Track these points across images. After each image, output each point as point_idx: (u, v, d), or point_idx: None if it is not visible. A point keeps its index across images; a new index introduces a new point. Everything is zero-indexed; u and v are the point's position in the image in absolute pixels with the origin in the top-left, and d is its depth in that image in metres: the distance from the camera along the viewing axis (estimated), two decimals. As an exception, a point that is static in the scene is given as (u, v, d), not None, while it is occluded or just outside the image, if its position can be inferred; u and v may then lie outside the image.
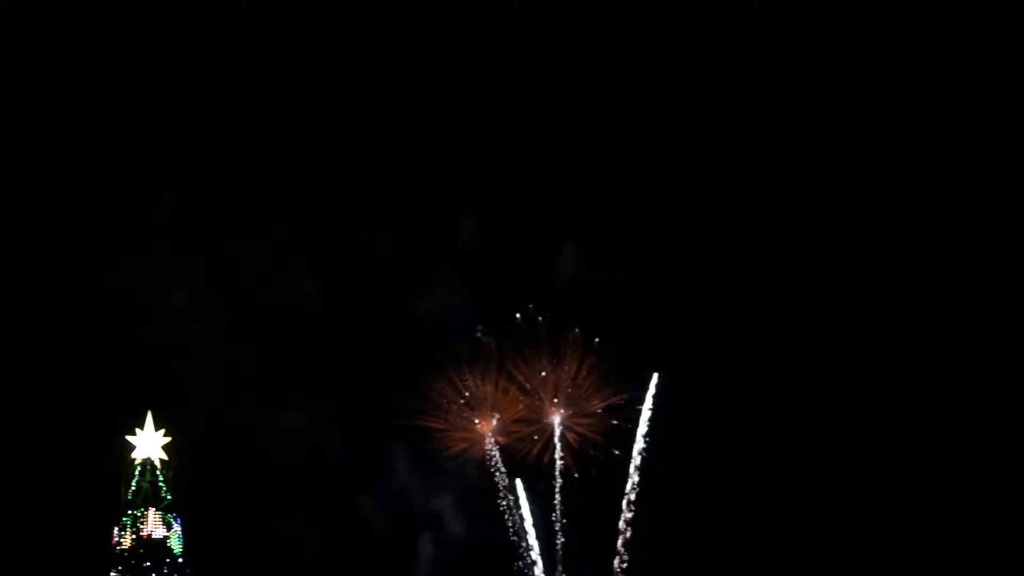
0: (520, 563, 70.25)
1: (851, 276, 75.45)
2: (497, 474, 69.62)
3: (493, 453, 69.40)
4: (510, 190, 74.72)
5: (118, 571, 70.51)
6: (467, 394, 68.95)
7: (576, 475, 70.02)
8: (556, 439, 70.04)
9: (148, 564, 70.58)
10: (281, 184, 78.13)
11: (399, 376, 73.11)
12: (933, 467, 73.60)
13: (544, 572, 69.23)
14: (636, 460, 71.14)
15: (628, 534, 70.14)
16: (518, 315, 70.50)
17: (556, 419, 70.22)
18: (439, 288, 74.45)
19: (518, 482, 70.43)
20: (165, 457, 73.74)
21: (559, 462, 69.96)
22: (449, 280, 74.58)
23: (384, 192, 77.20)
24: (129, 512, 71.95)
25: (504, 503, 69.74)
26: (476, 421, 69.57)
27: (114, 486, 72.98)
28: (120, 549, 71.20)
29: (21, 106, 76.52)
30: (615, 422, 70.23)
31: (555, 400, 69.99)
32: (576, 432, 70.34)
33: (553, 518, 70.20)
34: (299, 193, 77.70)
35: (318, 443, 73.89)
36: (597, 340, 68.98)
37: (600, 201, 75.08)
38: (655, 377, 69.88)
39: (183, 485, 73.23)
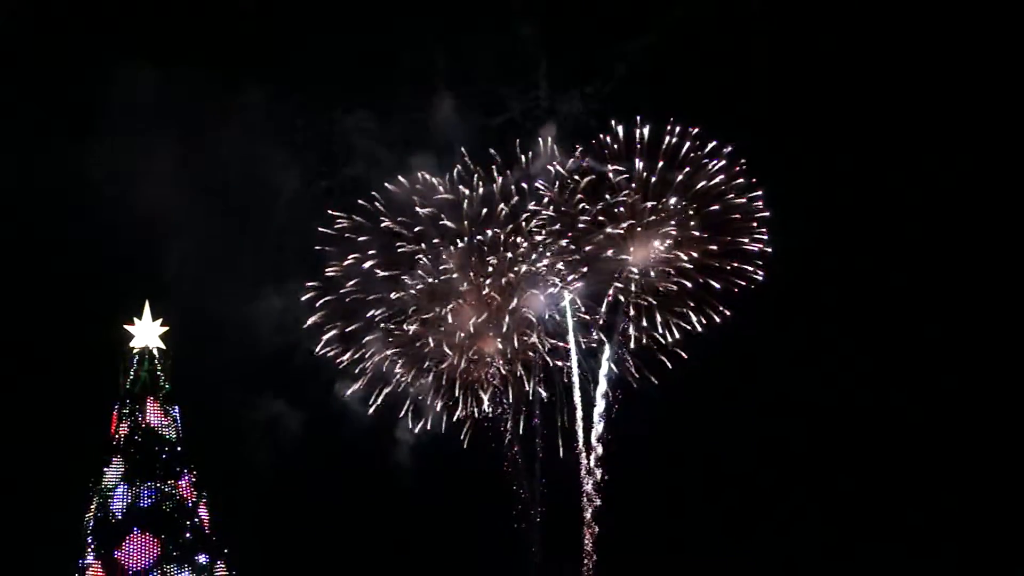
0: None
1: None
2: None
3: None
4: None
5: (117, 459, 71.25)
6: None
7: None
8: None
9: (146, 452, 71.72)
10: (259, 62, 77.89)
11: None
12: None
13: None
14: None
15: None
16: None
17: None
18: (416, 170, 74.44)
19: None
20: (163, 346, 75.02)
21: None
22: (426, 162, 74.70)
23: (362, 73, 77.07)
24: (128, 401, 72.70)
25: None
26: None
27: (112, 376, 74.22)
28: (119, 438, 71.92)
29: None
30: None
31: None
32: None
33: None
34: (276, 72, 77.60)
35: (297, 326, 75.45)
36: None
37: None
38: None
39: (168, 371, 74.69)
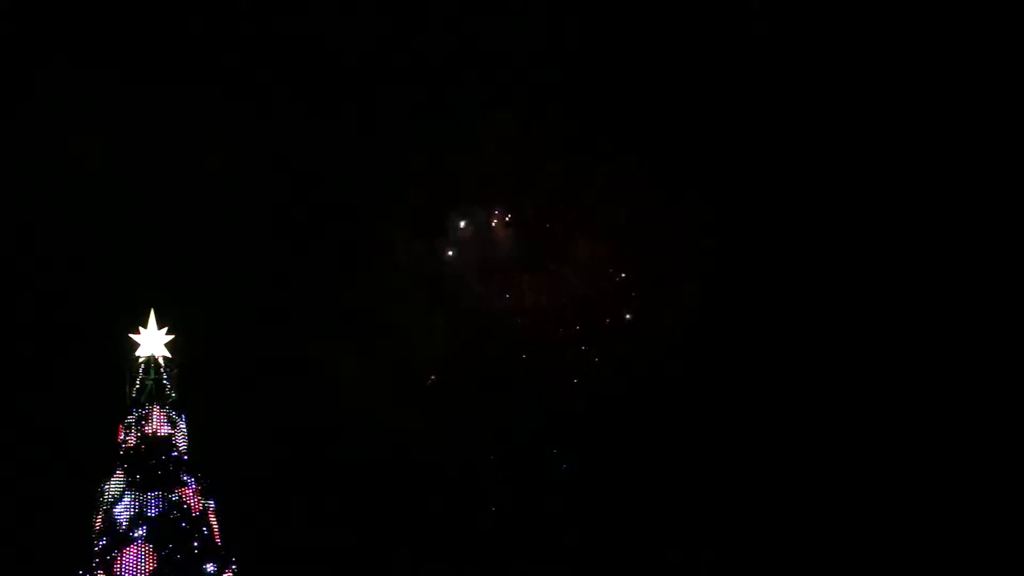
0: None
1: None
2: None
3: None
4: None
5: (124, 469, 70.05)
6: None
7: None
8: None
9: (154, 462, 70.51)
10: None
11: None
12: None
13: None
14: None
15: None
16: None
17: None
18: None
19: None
20: (168, 355, 74.21)
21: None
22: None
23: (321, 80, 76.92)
24: (133, 411, 71.89)
25: None
26: None
27: (118, 385, 73.42)
28: (126, 447, 70.96)
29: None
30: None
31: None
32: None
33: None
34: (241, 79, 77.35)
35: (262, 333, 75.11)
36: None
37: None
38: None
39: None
